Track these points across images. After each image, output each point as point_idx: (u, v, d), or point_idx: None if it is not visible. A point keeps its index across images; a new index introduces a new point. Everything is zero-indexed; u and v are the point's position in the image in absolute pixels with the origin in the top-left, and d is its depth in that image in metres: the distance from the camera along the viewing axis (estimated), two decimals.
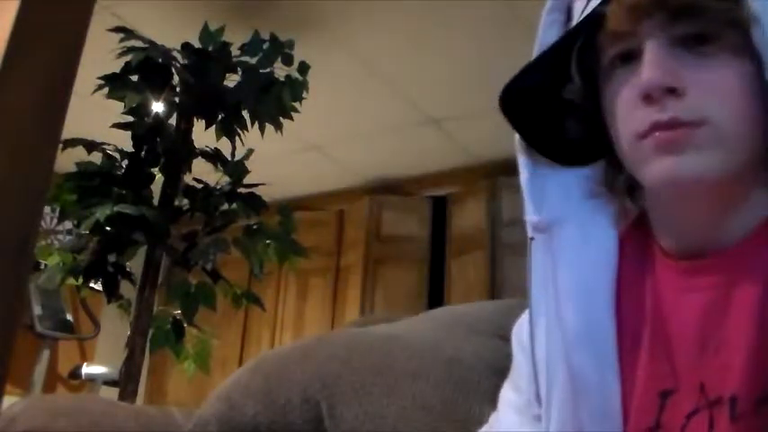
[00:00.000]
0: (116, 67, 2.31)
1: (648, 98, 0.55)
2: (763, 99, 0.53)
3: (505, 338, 0.79)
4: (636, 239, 0.65)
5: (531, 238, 0.66)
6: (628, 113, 0.58)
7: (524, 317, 0.72)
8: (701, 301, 0.58)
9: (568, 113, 0.65)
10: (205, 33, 2.49)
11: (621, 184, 0.65)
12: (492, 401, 0.80)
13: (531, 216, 0.66)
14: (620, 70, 0.59)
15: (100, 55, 1.93)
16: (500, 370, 0.83)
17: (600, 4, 0.58)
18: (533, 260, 0.66)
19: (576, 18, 0.62)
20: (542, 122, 0.66)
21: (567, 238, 0.65)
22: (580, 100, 0.64)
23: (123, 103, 2.31)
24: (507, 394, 0.75)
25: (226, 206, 2.52)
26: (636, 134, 0.57)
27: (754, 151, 0.55)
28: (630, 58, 0.57)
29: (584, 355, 0.62)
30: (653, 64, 0.55)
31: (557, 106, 0.65)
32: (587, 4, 0.61)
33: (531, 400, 0.68)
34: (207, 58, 2.44)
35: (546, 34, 0.65)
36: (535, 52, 0.65)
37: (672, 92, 0.54)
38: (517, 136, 0.67)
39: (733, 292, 0.55)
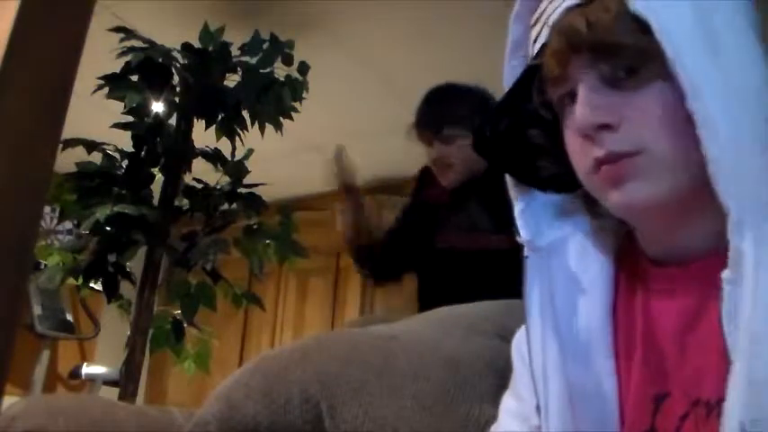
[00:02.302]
0: (116, 67, 2.31)
1: (586, 136, 0.59)
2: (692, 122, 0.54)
3: (505, 338, 0.80)
4: (629, 251, 0.68)
5: (526, 257, 0.69)
6: (576, 151, 0.61)
7: (524, 328, 0.73)
8: (678, 307, 0.60)
9: (539, 154, 0.69)
10: (205, 33, 2.49)
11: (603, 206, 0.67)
12: (492, 402, 0.80)
13: (525, 236, 0.69)
14: (567, 109, 0.62)
15: (100, 55, 1.93)
16: (500, 370, 0.83)
17: (538, 55, 0.63)
18: (529, 276, 0.68)
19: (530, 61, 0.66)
20: (520, 160, 0.70)
21: (565, 254, 0.68)
22: (546, 142, 0.67)
23: (123, 103, 2.31)
24: (508, 403, 0.77)
25: (226, 206, 2.52)
26: (586, 171, 0.60)
27: (694, 170, 0.56)
28: (573, 97, 0.60)
29: (582, 364, 0.64)
30: (583, 104, 0.58)
31: (528, 148, 0.69)
32: (533, 49, 0.65)
33: (532, 411, 0.69)
34: (207, 58, 2.44)
35: (510, 79, 0.69)
36: (504, 95, 0.69)
37: (606, 127, 0.57)
38: (507, 176, 0.70)
39: (705, 298, 0.57)
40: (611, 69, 0.58)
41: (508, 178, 0.71)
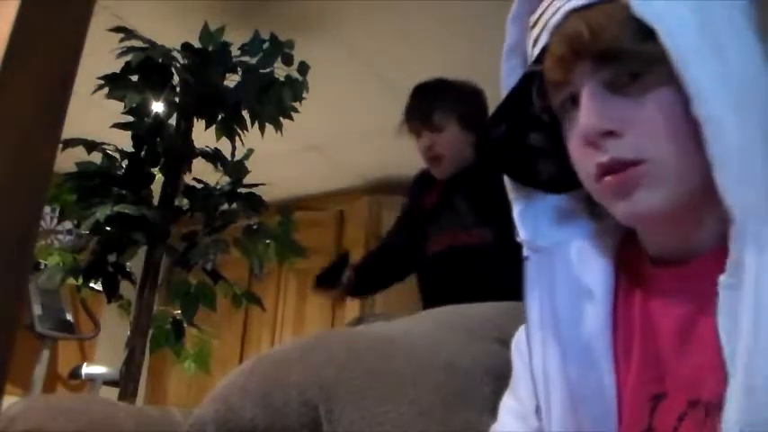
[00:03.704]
0: (116, 67, 2.31)
1: (589, 143, 0.58)
2: (696, 127, 0.54)
3: (505, 343, 0.79)
4: (629, 251, 0.67)
5: (527, 258, 0.68)
6: (579, 158, 0.61)
7: (524, 328, 0.73)
8: (677, 307, 0.60)
9: (539, 156, 0.69)
10: (205, 33, 2.49)
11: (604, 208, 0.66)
12: (490, 409, 0.80)
13: (524, 236, 0.69)
14: (570, 113, 0.61)
15: (100, 55, 1.93)
16: (499, 376, 0.83)
17: (538, 58, 0.62)
18: (529, 278, 0.68)
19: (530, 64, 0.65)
20: (520, 163, 0.69)
21: (565, 255, 0.68)
22: (546, 145, 0.67)
23: (123, 103, 2.31)
24: (508, 402, 0.77)
25: (226, 206, 2.52)
26: (590, 177, 0.60)
27: (698, 176, 0.56)
28: (575, 101, 0.60)
29: (583, 366, 0.64)
30: (587, 110, 0.57)
31: (528, 150, 0.69)
32: (532, 52, 0.64)
33: (532, 412, 0.70)
34: (207, 58, 2.44)
35: (508, 81, 0.68)
36: (502, 97, 0.68)
37: (610, 134, 0.57)
38: (506, 178, 0.70)
39: (706, 299, 0.56)
40: (615, 75, 0.57)
41: (507, 180, 0.70)
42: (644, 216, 0.59)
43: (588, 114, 0.57)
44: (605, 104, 0.57)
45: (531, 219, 0.69)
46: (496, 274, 1.24)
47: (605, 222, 0.68)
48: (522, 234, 0.69)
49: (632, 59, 0.56)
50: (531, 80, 0.65)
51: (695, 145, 0.54)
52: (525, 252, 0.68)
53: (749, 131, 0.52)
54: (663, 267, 0.63)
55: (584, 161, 0.60)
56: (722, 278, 0.53)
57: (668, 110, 0.56)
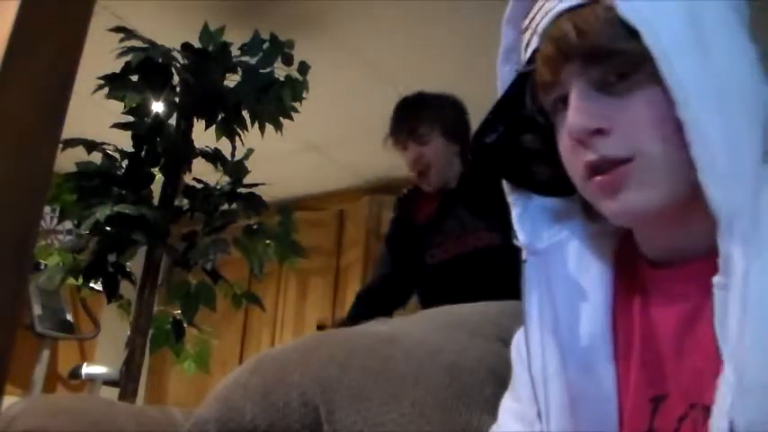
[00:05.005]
0: (116, 67, 2.31)
1: (578, 141, 0.59)
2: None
3: (506, 342, 0.79)
4: (627, 253, 0.68)
5: (525, 261, 0.68)
6: (569, 157, 0.61)
7: (523, 329, 0.73)
8: (676, 309, 0.60)
9: (534, 158, 0.69)
10: (205, 33, 2.49)
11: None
12: (492, 410, 0.80)
13: (523, 239, 0.69)
14: (560, 114, 0.62)
15: (100, 55, 1.93)
16: (500, 377, 0.83)
17: (529, 61, 0.63)
18: (527, 280, 0.68)
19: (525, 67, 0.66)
20: (515, 165, 0.70)
21: (564, 258, 0.68)
22: (540, 147, 0.67)
23: (123, 103, 2.31)
24: (507, 403, 0.77)
25: (226, 206, 2.52)
26: (579, 176, 0.60)
27: (690, 173, 0.55)
28: (565, 102, 0.60)
29: (583, 368, 0.64)
30: (575, 110, 0.58)
31: (523, 153, 0.69)
32: (525, 55, 0.65)
33: (532, 413, 0.69)
34: (207, 58, 2.44)
35: (504, 84, 0.68)
36: (497, 101, 0.68)
37: (599, 132, 0.57)
38: (504, 180, 0.70)
39: (704, 300, 0.56)
40: (603, 74, 0.58)
41: (504, 183, 0.71)
42: (633, 215, 0.59)
43: (576, 113, 0.58)
44: (593, 103, 0.58)
45: (530, 221, 0.69)
46: (507, 275, 1.24)
47: (602, 224, 0.68)
48: (520, 237, 0.69)
49: (619, 59, 0.57)
50: (526, 83, 0.65)
51: (683, 144, 0.54)
52: (524, 255, 0.69)
53: (734, 133, 0.52)
54: (660, 269, 0.63)
55: (573, 160, 0.61)
56: (715, 278, 0.53)
57: (655, 108, 0.56)
